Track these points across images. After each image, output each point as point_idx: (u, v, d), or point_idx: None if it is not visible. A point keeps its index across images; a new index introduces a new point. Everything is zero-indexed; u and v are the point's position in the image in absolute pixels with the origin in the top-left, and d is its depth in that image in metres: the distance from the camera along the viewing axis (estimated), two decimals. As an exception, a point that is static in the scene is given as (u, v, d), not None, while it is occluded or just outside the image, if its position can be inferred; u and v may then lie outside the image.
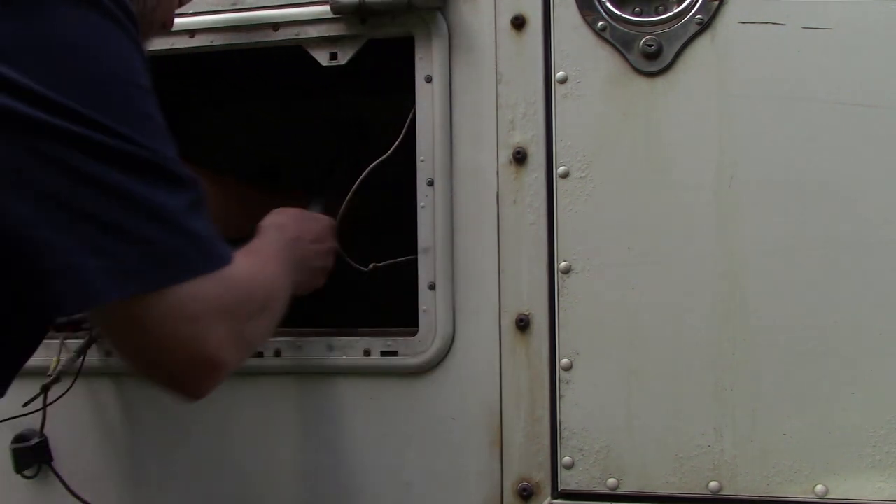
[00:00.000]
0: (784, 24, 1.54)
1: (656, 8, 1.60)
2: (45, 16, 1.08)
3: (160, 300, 1.11)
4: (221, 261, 1.17)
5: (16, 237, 1.06)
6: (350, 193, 1.76)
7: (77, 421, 1.82)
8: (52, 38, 1.08)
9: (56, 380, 1.73)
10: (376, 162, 1.73)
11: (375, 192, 1.77)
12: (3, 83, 1.04)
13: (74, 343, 1.79)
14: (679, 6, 1.59)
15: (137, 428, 1.81)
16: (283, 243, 1.53)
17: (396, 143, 1.71)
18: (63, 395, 1.75)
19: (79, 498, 1.78)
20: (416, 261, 1.69)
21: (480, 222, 1.66)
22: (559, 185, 1.61)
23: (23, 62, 1.05)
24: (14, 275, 1.09)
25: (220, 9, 1.76)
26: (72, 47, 1.09)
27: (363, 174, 1.74)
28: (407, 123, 1.70)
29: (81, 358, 1.77)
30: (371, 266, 1.79)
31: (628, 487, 1.57)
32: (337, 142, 2.50)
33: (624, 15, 1.60)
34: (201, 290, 1.15)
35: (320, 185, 2.05)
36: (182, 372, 1.18)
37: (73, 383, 1.76)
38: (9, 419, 1.75)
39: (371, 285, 1.93)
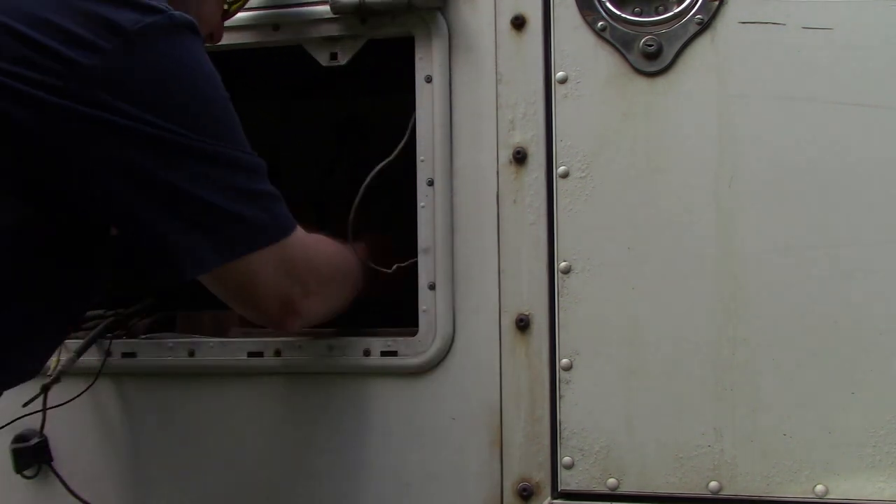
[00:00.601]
0: (784, 24, 1.54)
1: (656, 8, 1.60)
2: (153, 49, 1.30)
3: (251, 261, 1.41)
4: (290, 228, 1.47)
5: (147, 226, 1.34)
6: (357, 198, 1.75)
7: (77, 421, 1.82)
8: (160, 68, 1.31)
9: (56, 380, 1.73)
10: (382, 164, 1.72)
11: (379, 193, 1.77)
12: (129, 115, 1.28)
13: (74, 343, 1.79)
14: (679, 6, 1.59)
15: (137, 428, 1.81)
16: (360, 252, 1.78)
17: (401, 145, 1.70)
18: (77, 397, 1.76)
19: (79, 498, 1.78)
20: None
21: (480, 222, 1.66)
22: (559, 185, 1.61)
23: (141, 93, 1.29)
24: (142, 253, 1.39)
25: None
26: (175, 72, 1.32)
27: (368, 177, 1.74)
28: (410, 126, 1.70)
29: (102, 359, 1.79)
30: (395, 267, 1.77)
31: (628, 487, 1.57)
32: (337, 142, 2.50)
33: (624, 15, 1.60)
34: (285, 253, 1.46)
35: (320, 186, 2.05)
36: (272, 313, 1.51)
37: (92, 384, 1.78)
38: (10, 422, 1.75)
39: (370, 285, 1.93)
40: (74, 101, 1.25)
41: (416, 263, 1.70)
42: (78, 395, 1.76)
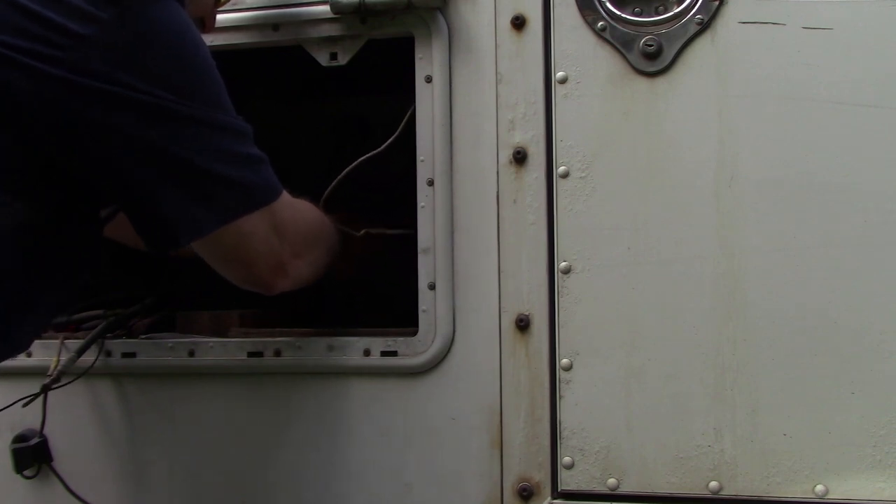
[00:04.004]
0: (784, 24, 1.54)
1: (656, 8, 1.60)
2: (145, 17, 1.31)
3: (244, 224, 1.44)
4: (279, 190, 1.50)
5: (144, 193, 1.37)
6: (335, 182, 1.77)
7: (77, 421, 1.82)
8: (153, 36, 1.32)
9: (56, 379, 1.73)
10: (368, 155, 1.74)
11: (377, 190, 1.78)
12: (127, 85, 1.29)
13: (74, 343, 1.79)
14: (679, 6, 1.59)
15: (137, 428, 1.81)
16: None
17: (392, 138, 1.71)
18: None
19: (79, 498, 1.78)
20: (408, 235, 1.71)
21: (480, 222, 1.66)
22: (559, 185, 1.61)
23: (136, 61, 1.30)
24: (138, 219, 1.41)
25: (220, 9, 1.76)
26: (167, 40, 1.34)
27: (352, 165, 1.76)
28: (404, 121, 1.70)
29: (96, 356, 1.79)
30: (363, 232, 1.80)
31: (628, 487, 1.57)
32: (337, 142, 2.50)
33: (624, 15, 1.60)
34: (275, 215, 1.49)
35: (320, 185, 2.05)
36: (262, 275, 1.53)
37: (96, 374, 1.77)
38: (4, 408, 1.75)
39: (371, 285, 1.93)
40: (73, 72, 1.26)
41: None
42: (71, 381, 1.77)
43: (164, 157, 1.35)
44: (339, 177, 1.76)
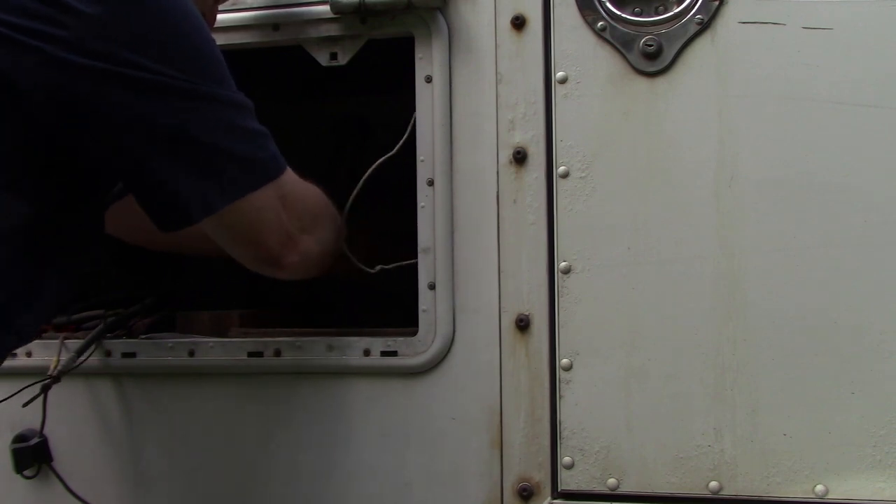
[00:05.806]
0: (784, 24, 1.54)
1: (656, 8, 1.60)
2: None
3: (255, 199, 1.45)
4: (284, 165, 1.51)
5: (153, 172, 1.37)
6: (355, 192, 1.75)
7: (77, 421, 1.82)
8: (159, 15, 1.33)
9: (56, 379, 1.73)
10: (382, 159, 1.73)
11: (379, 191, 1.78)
12: (134, 64, 1.30)
13: (74, 343, 1.79)
14: (679, 6, 1.59)
15: (137, 428, 1.81)
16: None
17: (402, 140, 1.70)
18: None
19: (79, 498, 1.78)
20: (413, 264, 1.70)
21: (480, 222, 1.66)
22: (559, 185, 1.61)
23: (142, 40, 1.31)
24: (148, 200, 1.42)
25: (220, 9, 1.76)
26: (173, 20, 1.35)
27: (368, 171, 1.74)
28: (412, 123, 1.70)
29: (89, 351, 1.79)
30: (378, 268, 1.78)
31: (628, 487, 1.57)
32: (337, 142, 2.50)
33: (624, 15, 1.60)
34: (282, 189, 1.50)
35: (320, 186, 2.05)
36: (272, 250, 1.53)
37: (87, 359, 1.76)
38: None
39: (371, 285, 1.93)
40: (77, 52, 1.26)
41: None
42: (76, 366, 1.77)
43: (171, 135, 1.35)
44: (360, 183, 1.74)
